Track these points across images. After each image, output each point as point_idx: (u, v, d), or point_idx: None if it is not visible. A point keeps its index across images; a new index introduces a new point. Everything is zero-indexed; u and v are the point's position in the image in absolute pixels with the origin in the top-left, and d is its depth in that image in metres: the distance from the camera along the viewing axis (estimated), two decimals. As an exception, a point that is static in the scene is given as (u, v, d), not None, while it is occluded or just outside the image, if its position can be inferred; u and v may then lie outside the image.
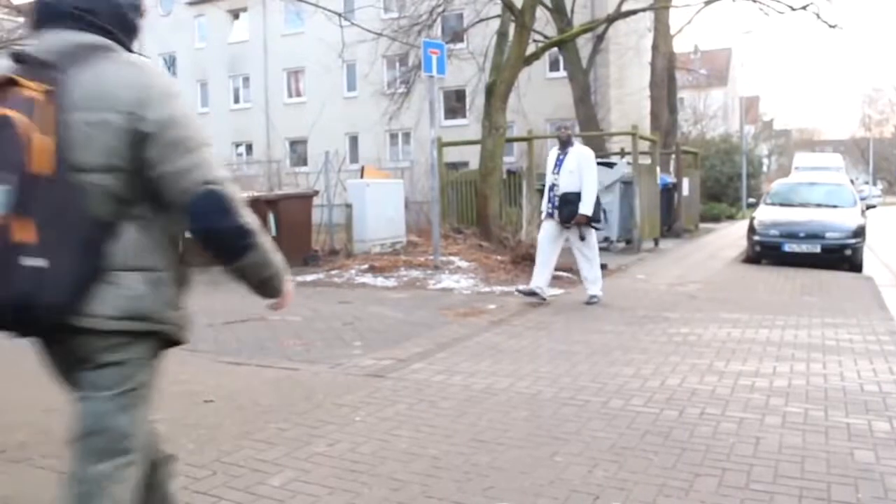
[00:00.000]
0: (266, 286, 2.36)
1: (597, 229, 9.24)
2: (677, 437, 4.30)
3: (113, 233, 2.07)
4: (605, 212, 9.06)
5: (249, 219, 2.17)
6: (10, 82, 2.01)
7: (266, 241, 2.25)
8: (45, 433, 4.66)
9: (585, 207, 8.71)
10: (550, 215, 8.94)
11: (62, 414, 5.02)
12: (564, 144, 9.05)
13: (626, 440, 4.25)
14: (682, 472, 3.79)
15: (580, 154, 8.91)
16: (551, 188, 8.94)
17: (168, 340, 2.29)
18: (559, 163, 8.89)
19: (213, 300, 9.20)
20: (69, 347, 2.18)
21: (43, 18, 2.16)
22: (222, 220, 2.10)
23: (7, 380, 6.17)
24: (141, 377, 2.31)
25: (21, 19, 27.00)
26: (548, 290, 9.20)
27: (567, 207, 8.80)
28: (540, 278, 9.05)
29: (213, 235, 2.13)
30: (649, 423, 4.55)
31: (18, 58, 2.06)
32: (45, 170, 1.95)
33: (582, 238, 8.90)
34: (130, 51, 2.19)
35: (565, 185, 8.79)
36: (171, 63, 41.13)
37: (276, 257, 2.33)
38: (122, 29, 2.18)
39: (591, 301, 9.01)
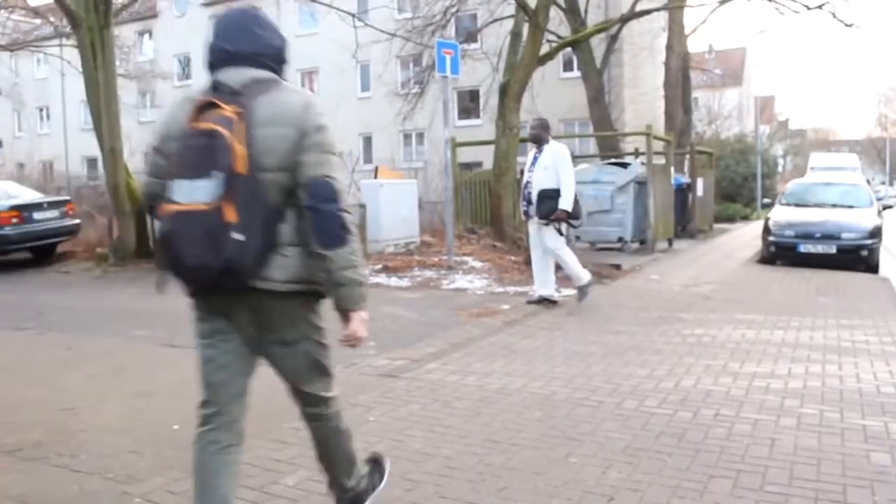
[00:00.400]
0: (345, 293, 2.77)
1: (573, 226, 9.11)
2: (692, 438, 4.29)
3: (283, 217, 2.68)
4: (581, 210, 8.89)
5: (348, 217, 2.73)
6: (211, 105, 2.66)
7: (357, 250, 2.76)
8: (60, 432, 4.70)
9: (565, 202, 8.53)
10: (529, 215, 8.85)
11: (76, 413, 5.09)
12: (539, 142, 8.89)
13: (641, 441, 4.25)
14: (696, 473, 3.79)
15: (555, 151, 8.72)
16: (525, 186, 8.86)
17: (321, 294, 2.85)
18: (535, 160, 8.79)
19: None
20: (254, 306, 2.74)
21: (223, 60, 2.82)
22: (328, 204, 2.67)
23: (23, 380, 6.23)
24: (312, 325, 2.92)
25: (38, 21, 27.23)
26: (556, 293, 9.15)
27: (545, 203, 8.64)
28: (547, 285, 8.98)
29: (318, 213, 2.66)
30: (663, 424, 4.54)
31: (215, 87, 2.75)
32: (243, 170, 2.56)
33: (560, 233, 8.72)
34: (283, 79, 2.88)
35: (540, 182, 8.65)
36: (185, 63, 41.32)
37: (363, 270, 2.81)
38: (279, 64, 2.90)
39: (533, 300, 8.95)
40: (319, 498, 3.60)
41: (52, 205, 15.65)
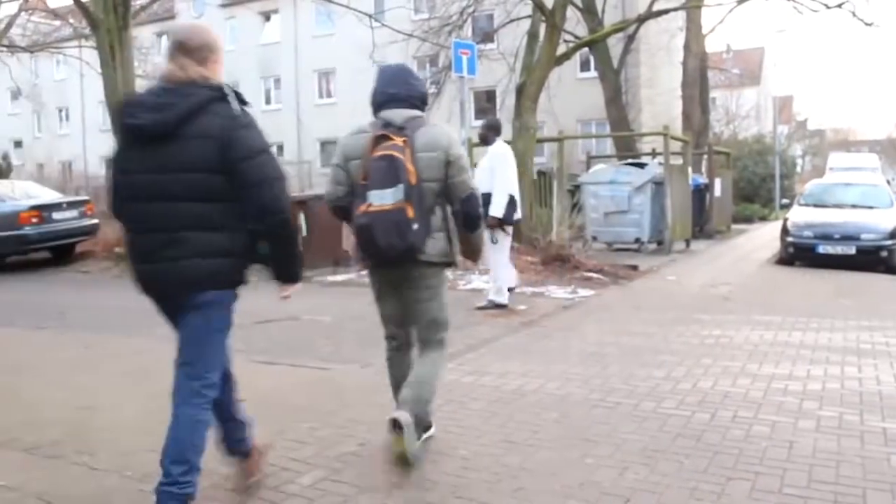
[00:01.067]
0: (474, 250, 4.23)
1: (506, 233, 8.60)
2: (709, 440, 4.27)
3: (434, 212, 3.90)
4: (511, 215, 8.46)
5: (481, 210, 4.08)
6: (385, 137, 3.82)
7: (482, 231, 4.27)
8: (79, 431, 4.73)
9: (495, 209, 8.24)
10: None
11: (95, 412, 5.12)
12: (485, 142, 8.70)
13: (658, 443, 4.23)
14: (714, 475, 3.77)
15: (493, 152, 8.48)
16: None
17: (450, 264, 4.08)
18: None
19: (244, 300, 9.29)
20: (410, 275, 3.98)
21: (387, 101, 3.99)
22: (475, 209, 4.01)
23: (42, 379, 6.27)
24: (442, 285, 4.15)
25: (57, 22, 27.45)
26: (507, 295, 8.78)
27: (475, 208, 8.42)
28: (501, 290, 8.73)
29: (469, 215, 3.98)
30: (681, 425, 4.52)
31: (385, 124, 3.88)
32: (414, 181, 3.73)
33: (494, 241, 8.42)
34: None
35: (480, 184, 8.44)
36: (203, 64, 41.49)
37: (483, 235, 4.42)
38: (423, 105, 4.08)
39: (485, 306, 8.70)
40: (336, 498, 3.60)
41: (72, 205, 15.77)
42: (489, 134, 8.68)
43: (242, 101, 3.20)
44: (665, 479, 3.74)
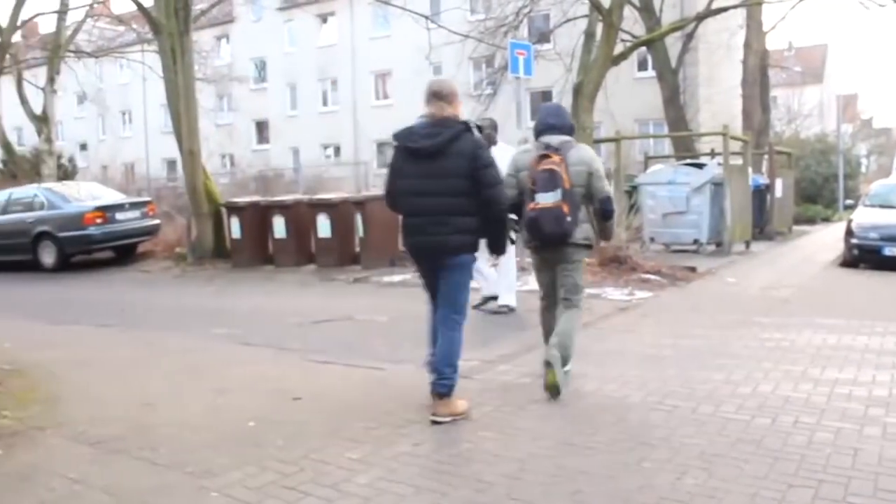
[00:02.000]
0: (608, 235, 5.66)
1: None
2: (770, 445, 4.18)
3: (580, 209, 5.22)
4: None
5: (614, 207, 5.43)
6: (546, 155, 5.17)
7: (613, 222, 5.65)
8: (142, 427, 4.83)
9: None
10: None
11: (156, 409, 5.23)
12: (490, 142, 8.27)
13: (717, 447, 4.16)
14: (775, 482, 3.69)
15: (497, 154, 8.33)
16: None
17: (591, 246, 5.50)
18: None
19: (301, 300, 9.39)
20: (562, 253, 5.33)
21: (547, 129, 5.37)
22: (609, 206, 5.32)
23: (106, 375, 6.42)
24: (582, 263, 5.48)
25: (121, 28, 28.07)
26: (503, 299, 8.70)
27: None
28: (506, 292, 8.69)
29: (604, 210, 5.31)
30: (740, 430, 4.44)
31: (546, 146, 5.22)
32: (568, 187, 5.08)
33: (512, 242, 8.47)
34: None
35: None
36: (261, 67, 42.10)
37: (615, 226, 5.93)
38: (571, 133, 5.43)
39: (496, 310, 8.61)
40: (391, 497, 3.62)
41: (134, 205, 16.14)
42: (493, 134, 8.46)
43: (479, 130, 4.98)
44: (724, 484, 3.68)
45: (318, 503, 3.60)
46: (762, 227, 17.98)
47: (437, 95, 4.87)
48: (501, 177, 5.02)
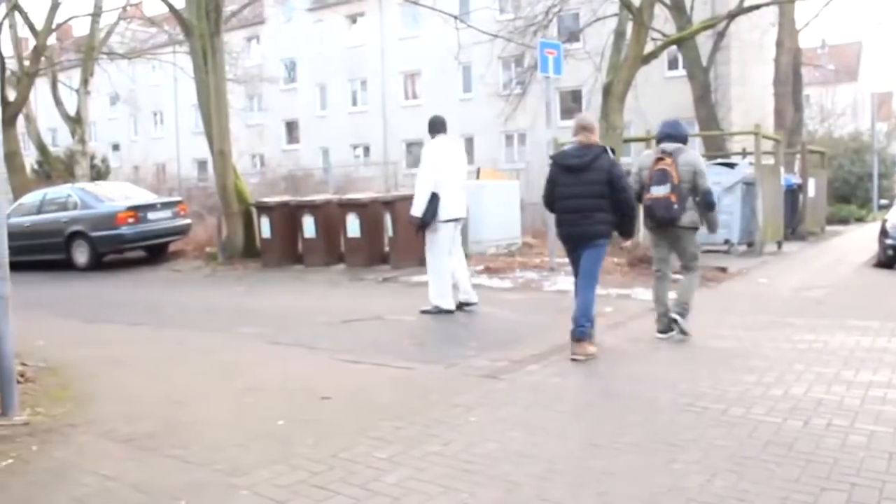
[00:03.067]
0: (710, 225, 7.11)
1: (433, 232, 8.56)
2: (802, 448, 4.13)
3: (687, 200, 6.81)
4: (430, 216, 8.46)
5: (714, 199, 6.99)
6: (661, 158, 6.83)
7: (715, 213, 7.24)
8: (173, 425, 4.87)
9: (414, 208, 8.44)
10: None
11: (186, 406, 5.27)
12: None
13: (747, 450, 4.12)
14: (806, 485, 3.65)
15: (423, 150, 8.65)
16: None
17: (696, 229, 7.03)
18: None
19: (330, 299, 9.43)
20: (672, 234, 6.99)
21: (665, 137, 6.98)
22: (710, 199, 6.87)
23: (138, 373, 6.49)
24: (693, 238, 7.09)
25: (153, 29, 28.37)
26: (433, 300, 8.67)
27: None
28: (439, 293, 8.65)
29: (706, 203, 6.83)
30: (772, 432, 4.39)
31: (663, 151, 6.85)
32: (676, 182, 6.72)
33: (435, 237, 8.55)
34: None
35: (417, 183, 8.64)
36: (291, 68, 42.32)
37: (715, 216, 7.34)
38: (685, 141, 7.00)
39: (428, 310, 8.58)
40: (420, 497, 3.62)
41: (165, 205, 16.31)
42: (429, 130, 8.78)
43: (613, 152, 6.55)
44: (755, 486, 3.64)
45: (346, 502, 3.61)
46: (794, 227, 17.79)
47: (585, 128, 6.58)
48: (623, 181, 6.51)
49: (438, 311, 8.56)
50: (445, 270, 8.58)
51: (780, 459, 3.97)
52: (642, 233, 12.62)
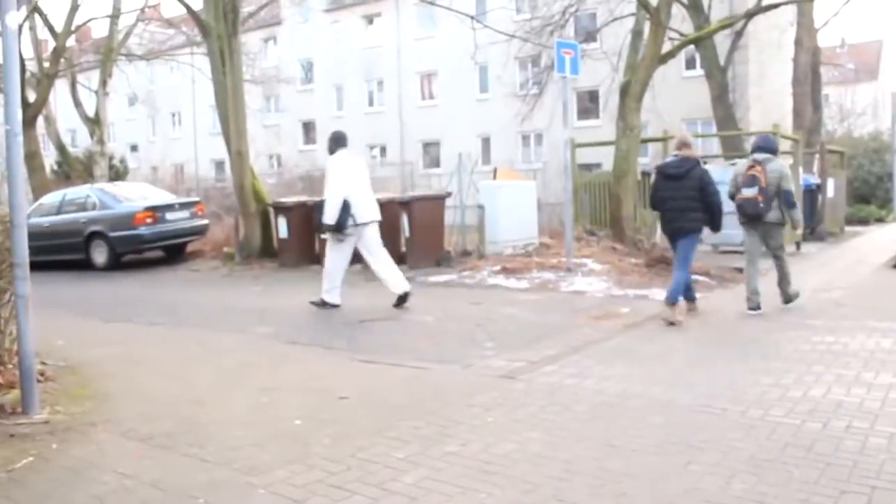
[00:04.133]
0: (794, 223, 8.68)
1: (339, 239, 9.25)
2: (821, 450, 4.11)
3: (773, 200, 8.34)
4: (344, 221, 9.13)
5: (793, 199, 8.42)
6: (753, 165, 8.39)
7: (798, 211, 8.76)
8: (191, 424, 4.90)
9: (326, 216, 9.08)
10: None
11: (204, 406, 5.29)
12: (330, 153, 9.43)
13: (766, 452, 4.10)
14: (826, 487, 3.62)
15: (328, 163, 9.33)
16: None
17: (783, 224, 8.60)
18: None
19: (347, 299, 9.45)
20: (761, 228, 8.51)
21: (757, 150, 8.60)
22: (790, 199, 8.38)
23: (156, 372, 6.52)
24: (779, 232, 8.66)
25: (171, 31, 28.51)
26: (324, 295, 9.34)
27: (317, 215, 9.44)
28: (332, 291, 9.35)
29: (787, 202, 8.35)
30: (790, 434, 4.37)
31: (754, 160, 8.41)
32: (763, 185, 8.26)
33: (339, 241, 9.28)
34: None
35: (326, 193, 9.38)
36: (308, 68, 42.43)
37: (799, 215, 8.85)
38: (774, 152, 8.57)
39: (315, 302, 9.37)
40: (438, 497, 3.63)
41: (183, 206, 16.38)
42: (330, 146, 9.46)
43: (700, 165, 8.22)
44: (773, 489, 3.62)
45: (364, 502, 3.62)
46: (813, 227, 17.66)
47: (684, 145, 8.37)
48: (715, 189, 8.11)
49: (324, 305, 9.30)
50: (337, 272, 9.34)
51: (798, 462, 3.94)
52: (659, 234, 12.61)
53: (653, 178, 8.64)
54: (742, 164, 8.72)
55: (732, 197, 8.53)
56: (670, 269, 10.93)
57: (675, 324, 7.71)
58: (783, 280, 8.62)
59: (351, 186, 9.08)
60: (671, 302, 7.90)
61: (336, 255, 9.31)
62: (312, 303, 9.42)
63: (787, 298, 8.64)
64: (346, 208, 8.99)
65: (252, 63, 24.88)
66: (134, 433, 4.75)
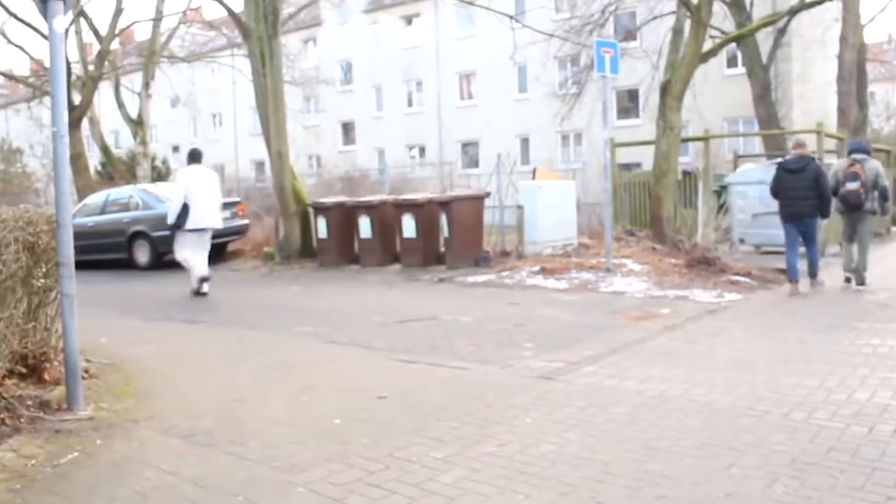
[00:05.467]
0: (883, 207, 10.59)
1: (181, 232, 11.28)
2: (867, 455, 4.03)
3: (870, 191, 9.98)
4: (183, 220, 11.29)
5: (888, 194, 10.64)
6: (852, 164, 9.99)
7: (889, 203, 11.17)
8: (230, 421, 4.94)
9: (168, 217, 11.46)
10: None
11: (245, 404, 5.34)
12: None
13: (809, 455, 4.03)
14: (871, 493, 3.55)
15: (178, 174, 10.64)
16: None
17: (874, 212, 10.21)
18: None
19: (386, 300, 9.48)
20: (858, 216, 10.05)
21: (854, 151, 10.34)
22: (885, 193, 10.20)
23: (198, 370, 6.60)
24: (871, 221, 10.35)
25: (212, 33, 28.84)
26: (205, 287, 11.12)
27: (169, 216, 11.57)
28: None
29: (883, 196, 10.11)
30: (834, 438, 4.29)
31: (853, 159, 10.13)
32: (863, 179, 9.83)
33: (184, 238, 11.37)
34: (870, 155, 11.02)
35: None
36: (347, 69, 42.65)
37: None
38: (868, 153, 10.53)
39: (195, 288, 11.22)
40: (476, 497, 3.62)
41: (224, 206, 16.50)
42: (187, 159, 11.72)
43: (815, 161, 10.01)
44: (817, 493, 3.56)
45: (402, 501, 3.62)
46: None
47: (800, 145, 10.06)
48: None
49: (197, 294, 11.15)
50: (188, 261, 11.32)
51: (843, 466, 3.87)
52: (700, 233, 12.48)
53: (773, 173, 10.12)
54: (841, 163, 10.40)
55: (835, 192, 9.86)
56: (711, 270, 10.93)
57: (820, 287, 10.00)
58: (863, 262, 9.95)
59: (193, 195, 11.00)
60: (813, 274, 9.98)
61: (180, 250, 11.45)
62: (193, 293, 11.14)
63: (861, 281, 9.91)
64: (184, 211, 10.96)
65: (292, 64, 25.06)
66: (175, 430, 4.81)
